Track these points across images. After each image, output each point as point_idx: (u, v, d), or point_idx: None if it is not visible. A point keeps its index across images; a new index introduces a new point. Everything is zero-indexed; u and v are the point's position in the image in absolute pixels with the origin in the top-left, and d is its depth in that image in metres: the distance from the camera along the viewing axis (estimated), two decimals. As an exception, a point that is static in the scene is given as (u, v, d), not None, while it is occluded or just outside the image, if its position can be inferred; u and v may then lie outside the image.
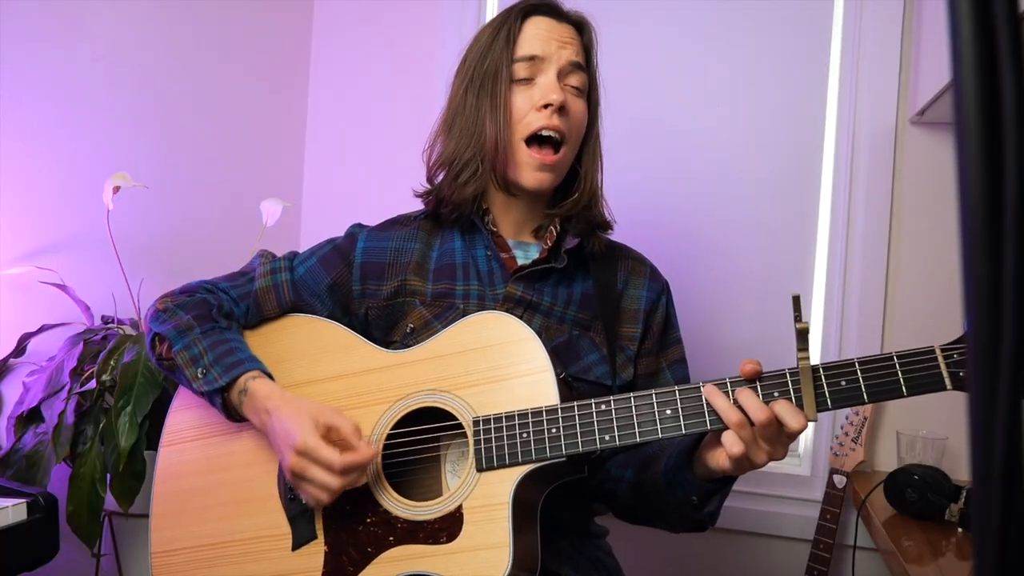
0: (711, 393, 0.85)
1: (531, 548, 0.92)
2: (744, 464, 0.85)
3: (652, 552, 1.78)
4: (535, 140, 1.04)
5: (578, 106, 1.06)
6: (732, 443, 0.83)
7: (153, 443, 1.28)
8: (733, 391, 0.85)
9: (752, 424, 0.83)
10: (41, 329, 1.39)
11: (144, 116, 1.62)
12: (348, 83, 2.07)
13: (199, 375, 0.99)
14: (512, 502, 0.89)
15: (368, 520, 0.95)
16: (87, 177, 1.49)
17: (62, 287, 1.41)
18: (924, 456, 1.48)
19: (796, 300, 0.83)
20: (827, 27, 1.74)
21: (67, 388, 1.30)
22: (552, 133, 1.03)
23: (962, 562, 1.15)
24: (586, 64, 1.08)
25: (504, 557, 0.87)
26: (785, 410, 0.82)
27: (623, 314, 1.11)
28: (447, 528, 0.91)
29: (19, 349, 1.38)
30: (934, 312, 1.64)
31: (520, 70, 1.04)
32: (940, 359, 0.80)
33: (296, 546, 0.98)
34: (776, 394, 0.85)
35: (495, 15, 1.10)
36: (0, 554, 1.03)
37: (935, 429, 1.55)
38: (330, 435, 0.91)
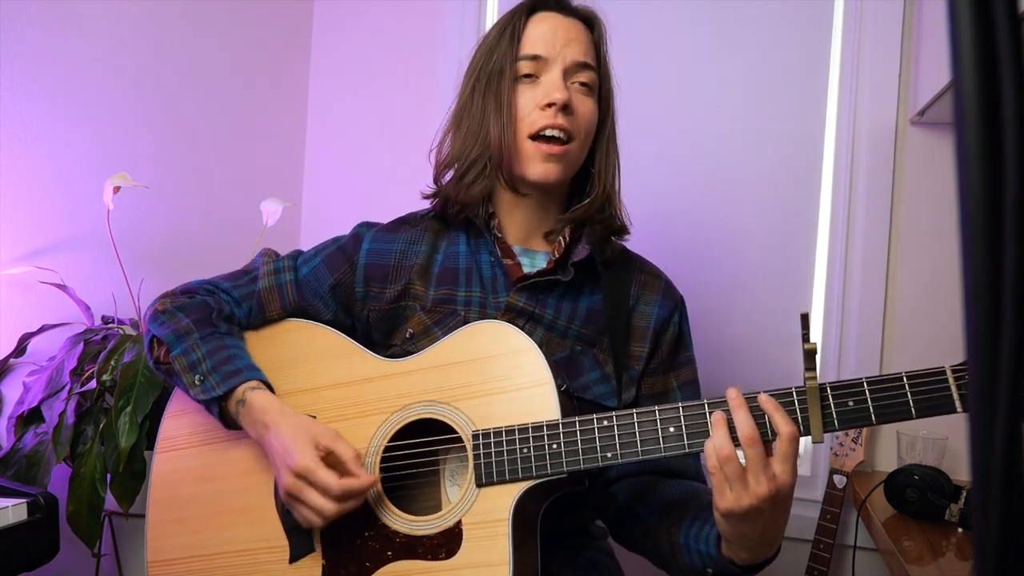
0: (718, 421, 0.82)
1: (531, 563, 0.91)
2: (734, 521, 0.81)
3: (652, 552, 1.78)
4: (540, 137, 1.01)
5: (585, 105, 1.03)
6: (717, 488, 0.80)
7: (153, 443, 1.28)
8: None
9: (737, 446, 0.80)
10: (41, 329, 1.39)
11: (144, 116, 1.62)
12: (348, 83, 2.07)
13: (196, 382, 0.97)
14: (512, 518, 0.88)
15: (367, 534, 0.94)
16: (87, 177, 1.49)
17: (62, 287, 1.41)
18: (924, 456, 1.48)
19: (804, 318, 0.80)
20: (827, 27, 1.74)
21: (67, 388, 1.30)
22: (556, 132, 0.99)
23: (962, 562, 1.15)
24: (596, 61, 1.05)
25: (503, 575, 0.86)
26: (775, 410, 0.80)
27: (632, 332, 1.07)
28: (446, 544, 0.90)
29: (19, 349, 1.38)
30: (934, 312, 1.64)
31: (524, 68, 1.01)
32: (951, 380, 0.77)
33: (293, 559, 0.97)
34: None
35: (504, 12, 1.08)
36: (0, 554, 1.03)
37: (935, 429, 1.55)
38: (329, 459, 0.90)
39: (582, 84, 1.02)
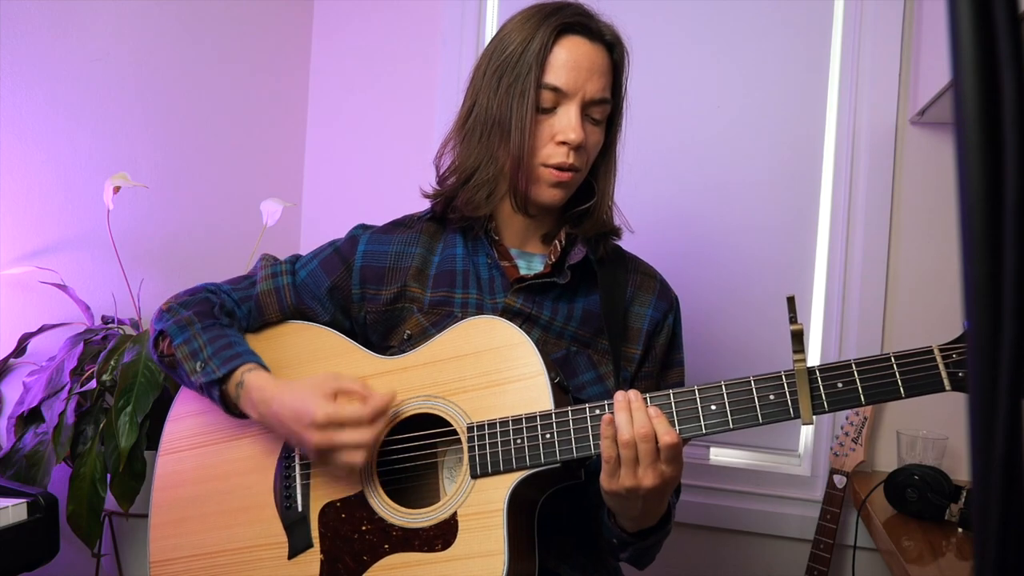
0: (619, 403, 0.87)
1: (528, 554, 0.92)
2: (619, 493, 0.86)
3: (652, 552, 1.78)
4: (550, 165, 1.02)
5: (594, 136, 1.03)
6: (610, 470, 0.86)
7: (153, 443, 1.28)
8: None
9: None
10: (41, 329, 1.39)
11: (144, 116, 1.62)
12: (348, 83, 2.07)
13: (198, 368, 0.99)
14: (507, 509, 0.89)
15: (364, 528, 0.95)
16: (87, 177, 1.49)
17: (62, 287, 1.41)
18: (924, 456, 1.48)
19: (791, 301, 0.82)
20: (827, 27, 1.74)
21: (67, 388, 1.30)
22: (567, 167, 1.01)
23: (962, 562, 1.15)
24: (613, 91, 1.05)
25: (499, 565, 0.87)
26: (660, 422, 0.85)
27: (627, 333, 1.08)
28: (442, 535, 0.91)
29: (19, 349, 1.38)
30: (934, 312, 1.64)
31: (545, 100, 1.00)
32: (939, 359, 0.79)
33: (292, 554, 0.98)
34: (772, 397, 0.84)
35: (504, 13, 1.06)
36: (0, 554, 1.03)
37: (935, 429, 1.55)
38: (340, 399, 0.93)
39: (595, 120, 1.03)
